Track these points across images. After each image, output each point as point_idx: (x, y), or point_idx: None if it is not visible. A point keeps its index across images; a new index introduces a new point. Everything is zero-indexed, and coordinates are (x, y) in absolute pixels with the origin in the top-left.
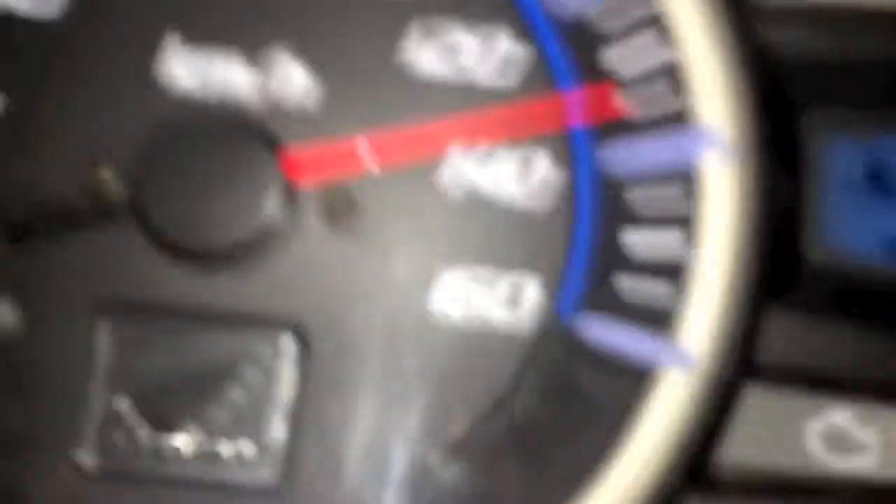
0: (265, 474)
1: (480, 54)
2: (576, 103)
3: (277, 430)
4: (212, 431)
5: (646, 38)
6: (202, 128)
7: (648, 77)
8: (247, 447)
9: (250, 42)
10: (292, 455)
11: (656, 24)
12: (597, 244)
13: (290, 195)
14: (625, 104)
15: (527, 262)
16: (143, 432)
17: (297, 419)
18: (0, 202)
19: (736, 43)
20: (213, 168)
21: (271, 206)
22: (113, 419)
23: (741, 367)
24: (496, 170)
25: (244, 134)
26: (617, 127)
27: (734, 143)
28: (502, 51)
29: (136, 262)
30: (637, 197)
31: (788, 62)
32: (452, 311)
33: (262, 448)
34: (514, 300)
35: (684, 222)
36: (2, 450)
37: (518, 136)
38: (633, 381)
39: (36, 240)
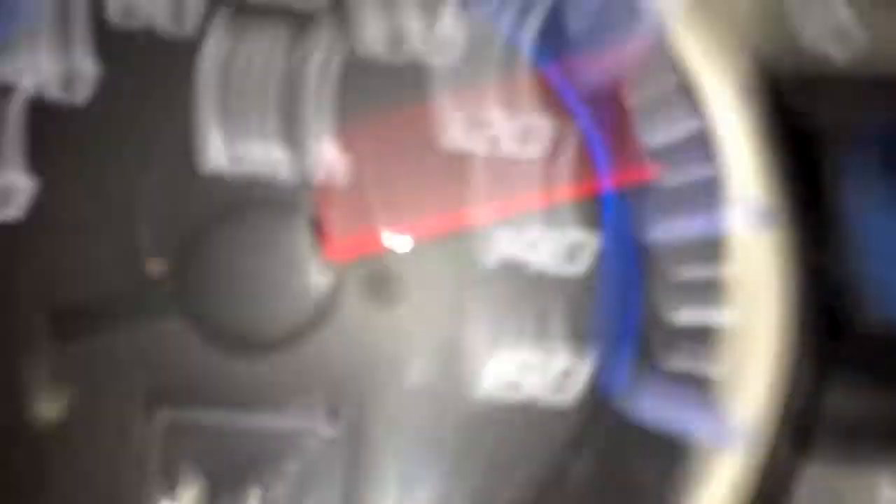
0: None
1: (514, 131)
2: (609, 176)
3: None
4: None
5: (676, 110)
6: (244, 214)
7: (681, 149)
8: None
9: (286, 125)
10: None
11: (686, 95)
12: (640, 317)
13: (334, 276)
14: (659, 177)
15: (570, 336)
16: None
17: (353, 489)
18: (47, 295)
19: (768, 112)
20: (257, 254)
21: (317, 290)
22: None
23: (797, 439)
24: (534, 241)
25: (285, 218)
26: (653, 199)
27: (772, 213)
28: (535, 125)
29: (185, 353)
30: (678, 269)
31: (823, 130)
32: (498, 385)
33: None
34: (559, 374)
35: (727, 293)
36: None
37: (553, 207)
38: (685, 455)
39: (85, 333)
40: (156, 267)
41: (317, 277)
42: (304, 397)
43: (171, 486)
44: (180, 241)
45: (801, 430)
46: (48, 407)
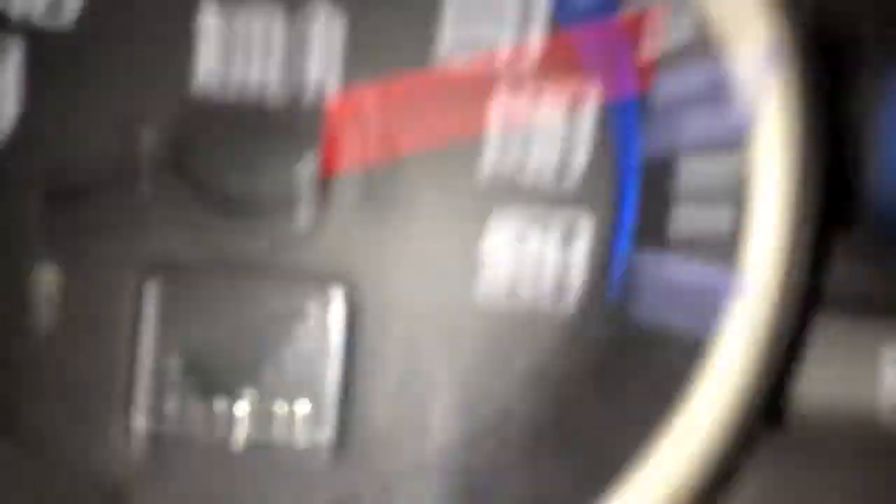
0: (319, 434)
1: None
2: (604, 88)
3: (330, 388)
4: (264, 392)
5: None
6: (238, 128)
7: (684, 54)
8: (300, 407)
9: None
10: (346, 412)
11: None
12: (648, 177)
13: (330, 186)
14: (658, 85)
15: (577, 200)
16: (195, 394)
17: (350, 376)
18: (42, 166)
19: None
20: (256, 131)
21: (311, 201)
22: (164, 381)
23: (809, 297)
24: (527, 155)
25: (282, 130)
26: (653, 107)
27: (788, 69)
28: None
29: (181, 222)
30: (689, 125)
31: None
32: (503, 259)
33: (316, 407)
34: (567, 239)
35: (740, 150)
36: (52, 418)
37: (546, 120)
38: (700, 318)
39: (79, 203)
40: (151, 137)
41: (312, 188)
42: (305, 273)
43: (163, 357)
44: (177, 113)
45: (811, 286)
46: (44, 281)
